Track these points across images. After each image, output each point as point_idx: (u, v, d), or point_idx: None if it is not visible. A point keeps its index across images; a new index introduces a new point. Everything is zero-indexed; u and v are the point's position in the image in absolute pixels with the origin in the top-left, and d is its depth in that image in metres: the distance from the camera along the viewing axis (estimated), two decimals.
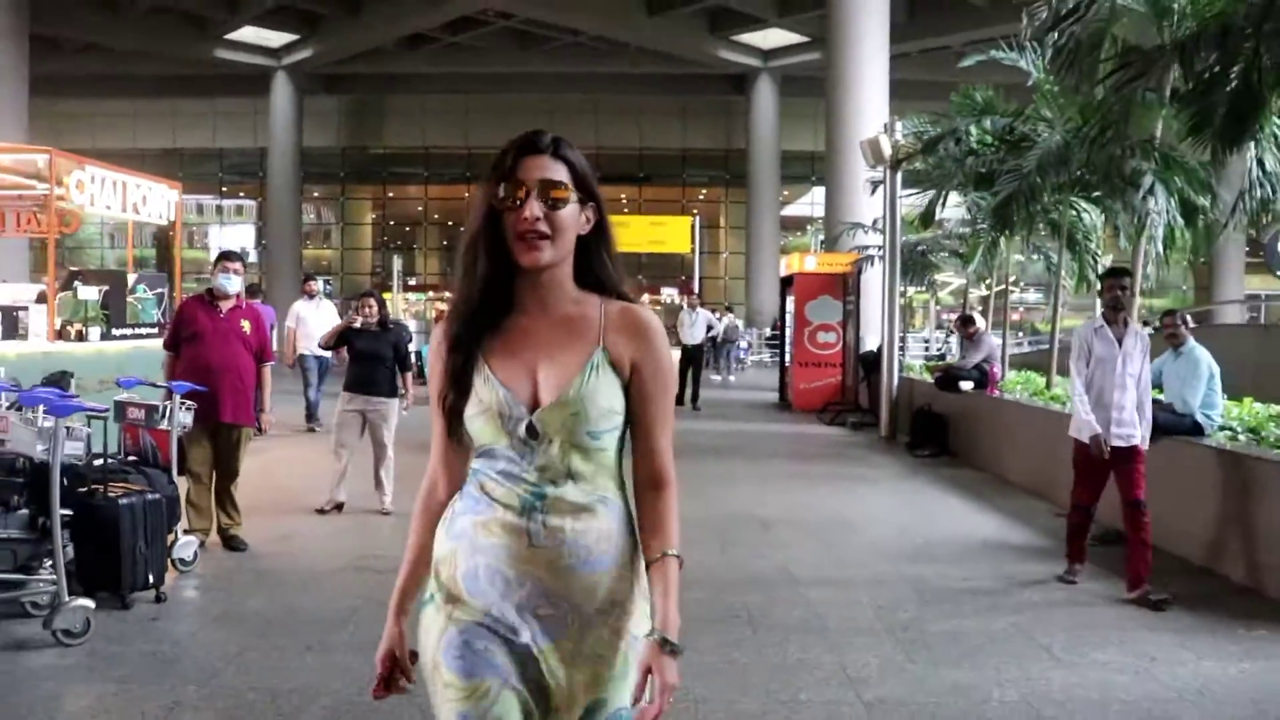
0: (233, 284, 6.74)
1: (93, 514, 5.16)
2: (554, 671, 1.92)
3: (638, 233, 32.56)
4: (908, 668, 4.75)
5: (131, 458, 6.03)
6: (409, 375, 8.20)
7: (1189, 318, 7.62)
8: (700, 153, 43.02)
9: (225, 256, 6.84)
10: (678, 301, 29.85)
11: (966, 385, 11.63)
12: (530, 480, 1.92)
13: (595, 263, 2.02)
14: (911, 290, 19.89)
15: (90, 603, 4.83)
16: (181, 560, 6.03)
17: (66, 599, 4.76)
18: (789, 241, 40.72)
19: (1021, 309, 40.04)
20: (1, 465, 4.81)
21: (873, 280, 15.67)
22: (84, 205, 10.21)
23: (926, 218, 12.57)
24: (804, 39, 33.89)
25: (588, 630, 1.92)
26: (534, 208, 1.89)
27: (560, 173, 1.94)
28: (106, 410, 5.72)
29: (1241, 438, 7.13)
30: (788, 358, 18.17)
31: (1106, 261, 12.46)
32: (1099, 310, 6.62)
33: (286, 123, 39.74)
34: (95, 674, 4.48)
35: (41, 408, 5.02)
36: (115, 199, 10.45)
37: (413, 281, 42.95)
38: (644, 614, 1.96)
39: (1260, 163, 8.66)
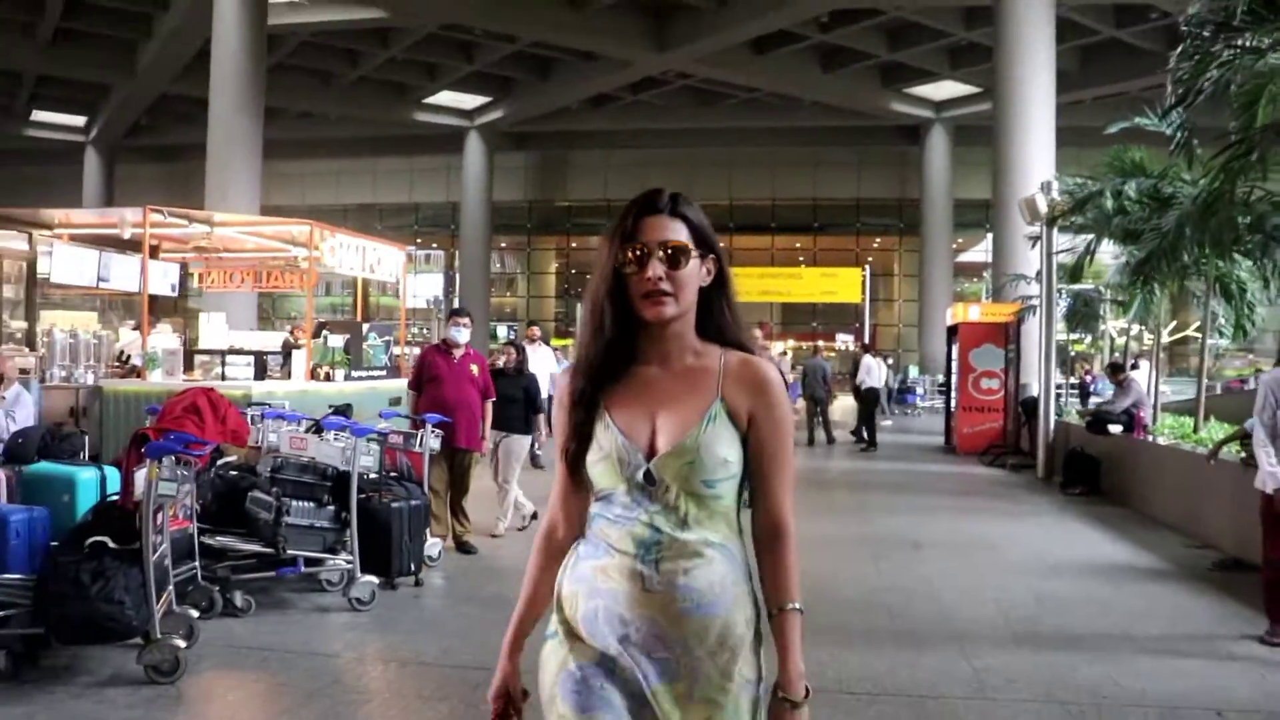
0: (463, 335, 8.28)
1: (372, 515, 6.68)
2: (668, 714, 1.97)
3: (811, 284, 33.61)
4: (1015, 650, 5.82)
5: (392, 473, 7.56)
6: (539, 415, 9.32)
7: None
8: (874, 202, 43.64)
9: (456, 313, 8.45)
10: (852, 348, 30.70)
11: (1115, 428, 12.38)
12: (646, 525, 1.98)
13: (716, 313, 2.09)
14: (1071, 337, 20.34)
15: (376, 579, 6.36)
16: (429, 557, 7.51)
17: (360, 575, 6.29)
18: (965, 288, 41.04)
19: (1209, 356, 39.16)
20: (316, 472, 6.39)
21: (1033, 329, 16.41)
22: (335, 266, 11.99)
23: (1075, 273, 13.42)
24: (975, 90, 34.44)
25: (699, 672, 1.96)
26: (656, 268, 1.98)
27: (680, 232, 2.02)
28: (386, 435, 7.30)
29: None
30: (953, 403, 18.97)
31: (1262, 313, 13.02)
32: None
33: (478, 178, 42.41)
34: (384, 630, 5.98)
35: (338, 431, 6.60)
36: (357, 260, 12.25)
37: None
38: (755, 660, 2.03)
39: None
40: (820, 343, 40.48)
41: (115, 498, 5.48)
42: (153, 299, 13.35)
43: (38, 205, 11.64)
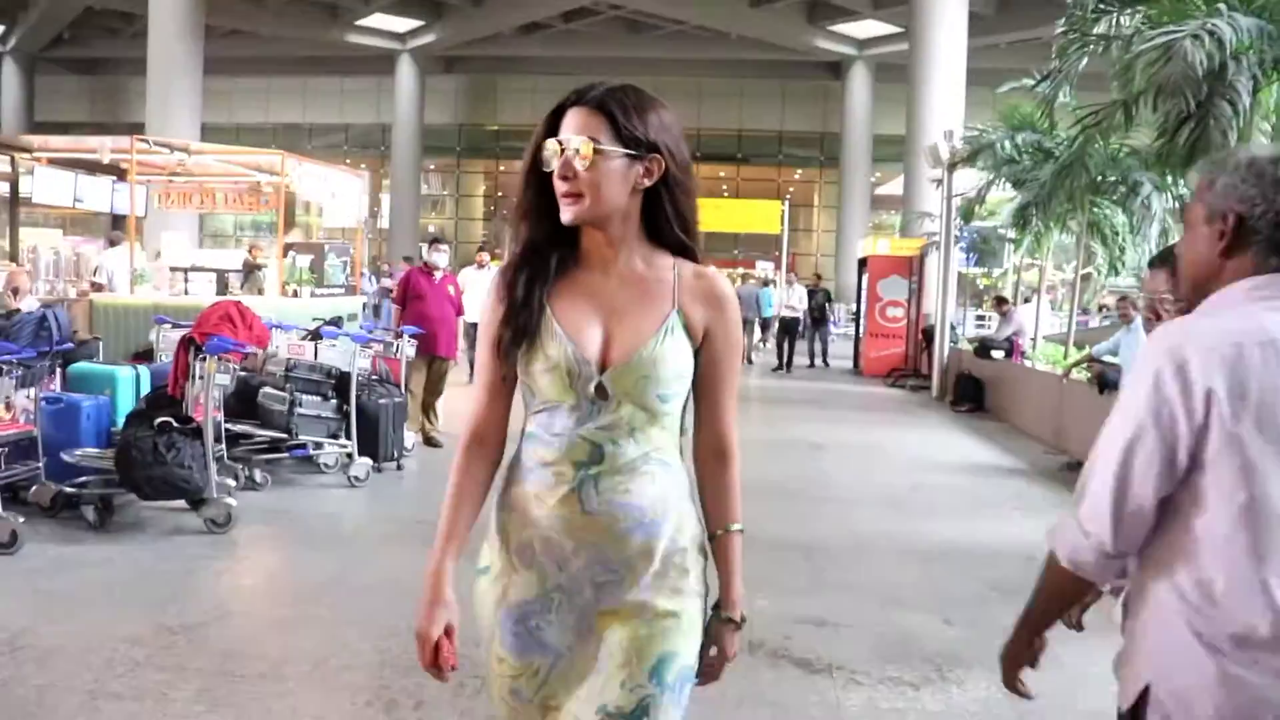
0: (443, 259, 9.60)
1: (363, 409, 7.94)
2: (614, 632, 1.89)
3: (732, 214, 35.02)
4: (894, 519, 7.34)
5: (374, 376, 8.81)
6: None
7: (1138, 300, 9.95)
8: (797, 135, 44.96)
9: (435, 240, 9.75)
10: (771, 275, 32.18)
11: (997, 354, 14.03)
12: (591, 439, 1.86)
13: (658, 217, 1.94)
14: (977, 271, 22.02)
15: (370, 461, 7.67)
16: (404, 447, 8.81)
17: (357, 458, 7.59)
18: (883, 220, 42.73)
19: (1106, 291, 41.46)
20: (323, 371, 7.64)
21: (934, 264, 17.99)
22: (301, 193, 13.04)
23: (967, 214, 14.98)
24: (896, 29, 35.76)
25: (648, 592, 1.89)
26: (557, 165, 1.85)
27: (597, 129, 1.85)
28: (382, 341, 8.57)
29: None
30: (862, 329, 20.59)
31: (1133, 253, 14.70)
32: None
33: (409, 101, 42.79)
34: (378, 500, 7.35)
35: (333, 340, 7.85)
36: (321, 187, 13.31)
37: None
38: (701, 571, 1.96)
39: None
40: (742, 269, 42.29)
41: (163, 388, 6.71)
42: (120, 218, 14.31)
43: None
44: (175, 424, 6.09)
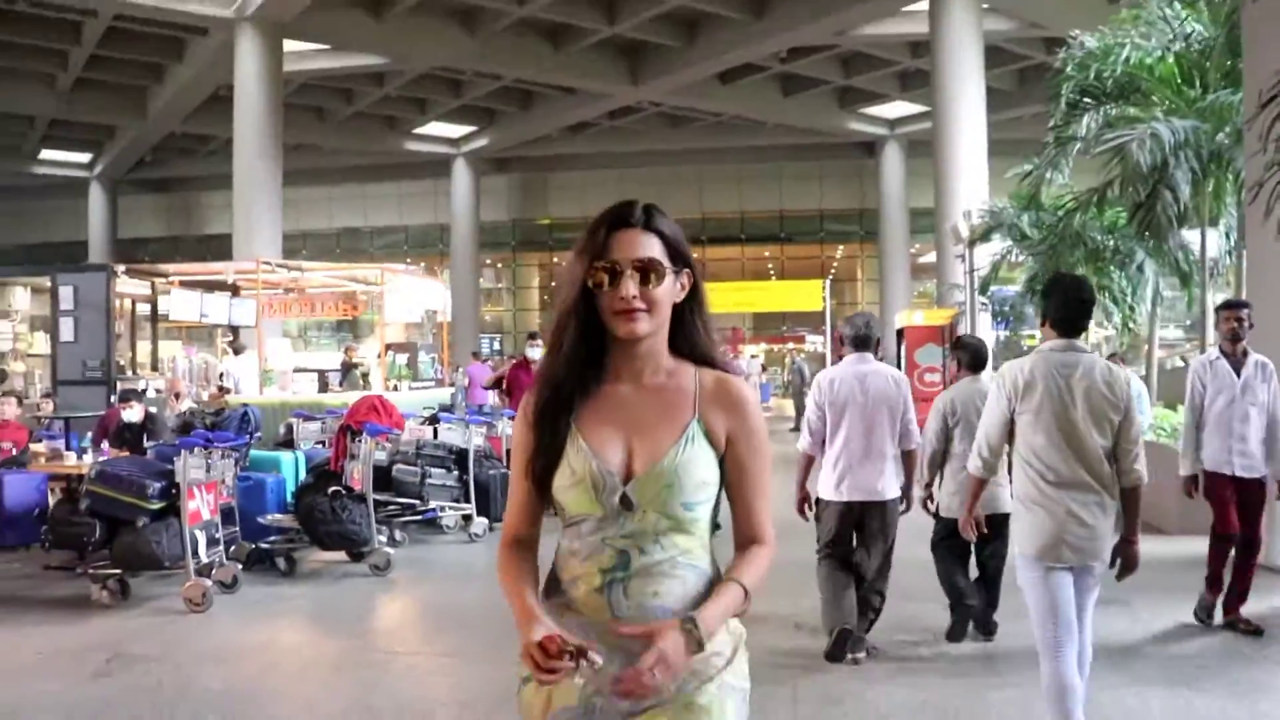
0: (537, 352, 11.35)
1: (477, 479, 9.66)
2: None
3: (777, 294, 37.02)
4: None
5: (481, 453, 10.56)
6: None
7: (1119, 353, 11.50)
8: (836, 212, 46.63)
9: (533, 336, 11.54)
10: (820, 349, 33.92)
11: None
12: (616, 546, 1.92)
13: (689, 328, 2.02)
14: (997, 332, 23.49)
15: (485, 520, 9.38)
16: None
17: (476, 518, 9.32)
18: (927, 288, 44.24)
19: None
20: (445, 449, 9.41)
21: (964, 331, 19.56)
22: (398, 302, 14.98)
23: (984, 287, 16.60)
24: (924, 109, 37.58)
25: (683, 688, 1.91)
26: (629, 286, 1.90)
27: (653, 247, 1.94)
28: (488, 422, 10.35)
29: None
30: None
31: (1142, 311, 16.18)
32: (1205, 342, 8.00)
33: (465, 200, 45.11)
34: (493, 549, 8.98)
35: (449, 424, 9.63)
36: (410, 297, 15.24)
37: None
38: (743, 669, 2.01)
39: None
40: (791, 344, 43.92)
41: (326, 464, 8.50)
42: (235, 328, 16.34)
43: (45, 237, 14.43)
44: (344, 492, 7.86)
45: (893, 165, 41.94)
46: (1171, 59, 10.40)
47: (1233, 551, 6.28)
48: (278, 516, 8.11)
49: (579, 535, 1.97)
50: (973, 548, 5.91)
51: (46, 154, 43.47)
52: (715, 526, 2.03)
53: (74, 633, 6.39)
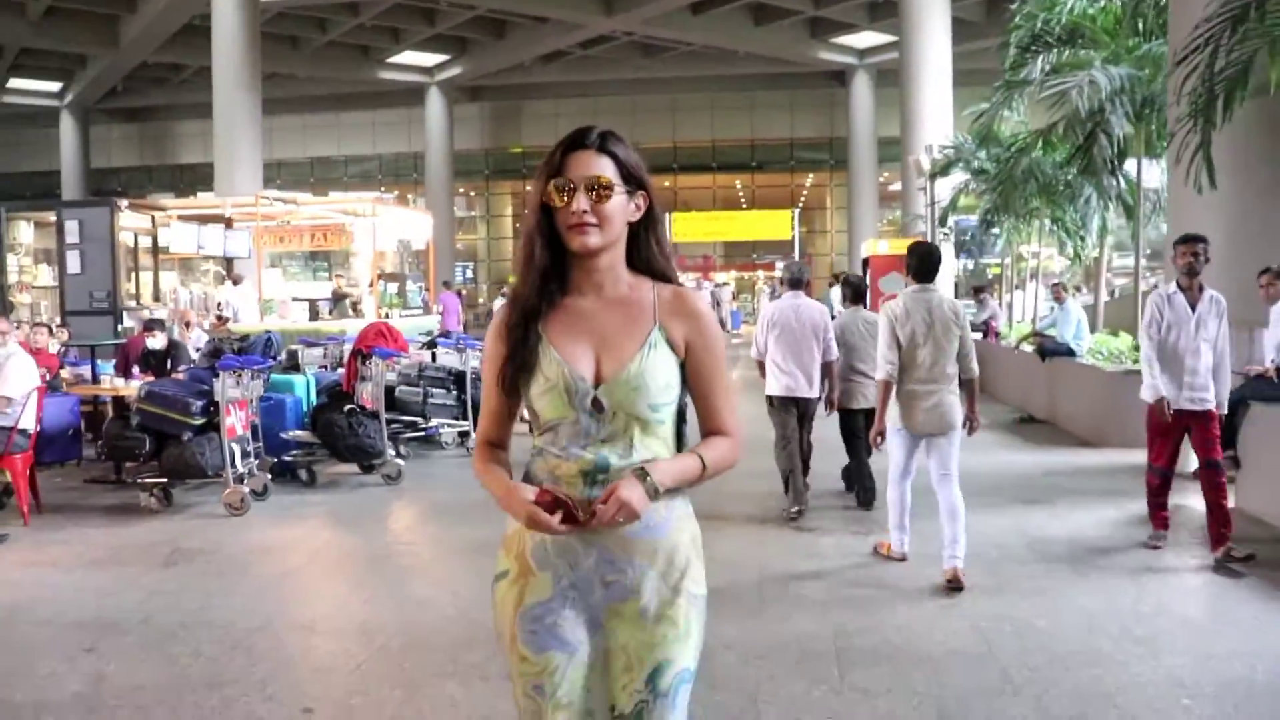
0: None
1: (474, 398, 10.53)
2: (620, 634, 2.11)
3: (747, 224, 37.86)
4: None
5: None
6: None
7: (1065, 284, 12.45)
8: (807, 141, 47.17)
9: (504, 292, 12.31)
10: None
11: (975, 336, 16.52)
12: (595, 451, 2.08)
13: (644, 246, 2.18)
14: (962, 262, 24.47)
15: None
16: None
17: (472, 434, 10.21)
18: (896, 217, 45.13)
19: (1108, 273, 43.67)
20: (445, 371, 10.28)
21: None
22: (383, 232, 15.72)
23: (943, 219, 17.53)
24: (893, 39, 38.10)
25: (651, 590, 2.10)
26: (581, 201, 2.04)
27: (605, 167, 2.08)
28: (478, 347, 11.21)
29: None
30: None
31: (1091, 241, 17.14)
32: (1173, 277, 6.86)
33: (439, 129, 45.42)
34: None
35: (446, 348, 10.50)
36: (399, 228, 15.97)
37: None
38: (700, 574, 2.18)
39: None
40: (761, 273, 44.76)
41: (338, 385, 9.36)
42: (230, 260, 17.04)
43: (14, 166, 14.98)
44: (358, 410, 8.73)
45: (862, 95, 42.45)
46: (1115, 8, 11.21)
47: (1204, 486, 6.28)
48: (297, 433, 8.98)
49: (554, 440, 2.13)
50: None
51: (15, 83, 43.30)
52: (683, 442, 2.21)
53: (133, 533, 7.29)
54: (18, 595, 5.90)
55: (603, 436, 2.09)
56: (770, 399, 7.67)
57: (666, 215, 34.86)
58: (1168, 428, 6.37)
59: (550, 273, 2.13)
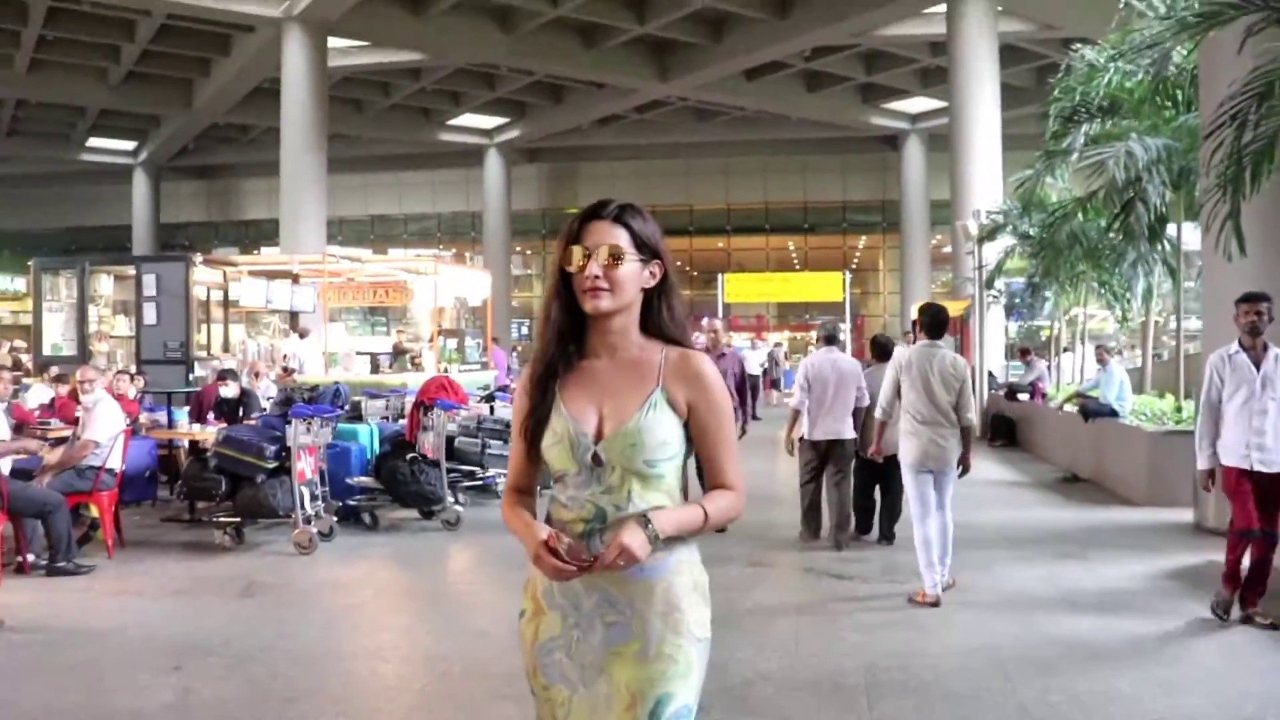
0: None
1: None
2: (621, 675, 2.20)
3: (800, 286, 38.39)
4: None
5: None
6: None
7: (1110, 348, 12.67)
8: (859, 204, 47.59)
9: None
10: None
11: (1023, 396, 16.73)
12: (595, 503, 2.21)
13: (657, 314, 2.31)
14: (1013, 325, 24.63)
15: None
16: None
17: None
18: (948, 279, 45.27)
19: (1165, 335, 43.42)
20: (502, 423, 10.73)
21: (974, 321, 20.76)
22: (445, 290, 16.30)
23: (989, 281, 17.82)
24: (944, 104, 38.50)
25: (650, 631, 2.19)
26: (593, 267, 2.18)
27: (619, 236, 2.22)
28: None
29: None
30: None
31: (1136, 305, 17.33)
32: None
33: (497, 189, 46.31)
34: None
35: (504, 401, 10.95)
36: (458, 286, 16.55)
37: None
38: (705, 619, 2.27)
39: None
40: (814, 333, 44.76)
41: (401, 435, 9.83)
42: (294, 314, 17.70)
43: (90, 220, 15.58)
44: (421, 458, 9.20)
45: (914, 158, 42.71)
46: (1149, 81, 11.55)
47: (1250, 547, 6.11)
48: (362, 479, 9.46)
49: (563, 489, 2.27)
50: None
51: (94, 142, 45.02)
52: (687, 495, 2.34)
53: (209, 567, 7.80)
54: (108, 620, 6.40)
55: (603, 488, 2.22)
56: (813, 443, 8.57)
57: (719, 277, 35.29)
58: (1234, 489, 6.12)
59: (567, 333, 2.29)
